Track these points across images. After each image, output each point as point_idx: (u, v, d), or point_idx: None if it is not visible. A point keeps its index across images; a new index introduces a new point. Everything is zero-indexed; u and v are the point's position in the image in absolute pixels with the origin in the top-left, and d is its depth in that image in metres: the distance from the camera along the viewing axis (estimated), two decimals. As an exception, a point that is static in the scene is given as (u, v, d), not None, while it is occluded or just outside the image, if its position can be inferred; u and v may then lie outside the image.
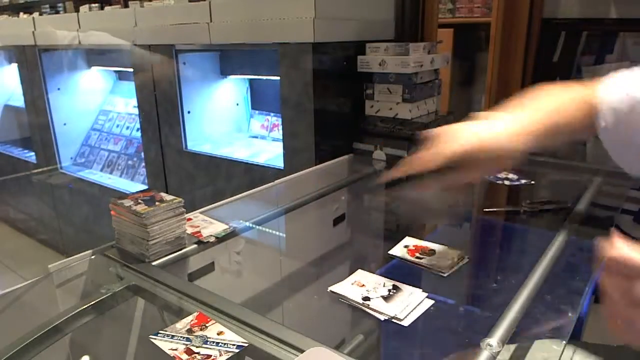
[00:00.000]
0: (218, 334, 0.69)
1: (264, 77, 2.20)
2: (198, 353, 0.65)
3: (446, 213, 1.31)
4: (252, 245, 1.18)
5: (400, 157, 1.61)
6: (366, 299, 0.80)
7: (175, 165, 2.14)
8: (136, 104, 2.28)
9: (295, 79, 1.59)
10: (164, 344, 0.67)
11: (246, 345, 0.67)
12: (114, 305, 0.84)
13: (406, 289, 0.83)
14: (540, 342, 0.76)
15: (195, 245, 1.00)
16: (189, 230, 1.03)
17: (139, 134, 2.48)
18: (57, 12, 2.94)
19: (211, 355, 0.64)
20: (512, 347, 0.76)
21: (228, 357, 0.64)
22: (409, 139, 1.60)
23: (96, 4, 2.47)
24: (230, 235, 1.07)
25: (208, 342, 0.67)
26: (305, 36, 1.51)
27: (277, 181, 1.43)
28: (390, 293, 0.82)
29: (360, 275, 0.88)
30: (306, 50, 1.53)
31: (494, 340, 0.64)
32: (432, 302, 0.80)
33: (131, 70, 2.24)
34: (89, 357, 0.94)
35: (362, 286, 0.84)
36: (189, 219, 1.09)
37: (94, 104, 3.03)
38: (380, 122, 1.66)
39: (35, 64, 2.73)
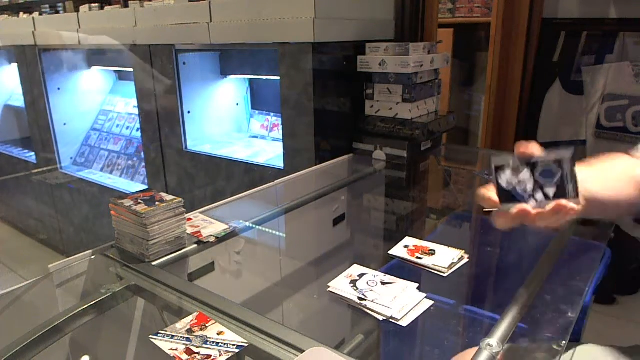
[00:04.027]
0: (218, 334, 0.69)
1: (264, 77, 2.19)
2: (198, 353, 0.65)
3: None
4: (252, 245, 1.18)
5: (400, 157, 1.62)
6: (362, 298, 0.80)
7: (175, 165, 2.14)
8: (136, 104, 2.28)
9: (295, 79, 1.59)
10: (164, 344, 0.67)
11: (246, 345, 0.67)
12: (114, 305, 0.84)
13: (399, 282, 0.83)
14: (540, 342, 0.76)
15: (195, 245, 1.00)
16: (189, 230, 1.03)
17: (139, 134, 2.48)
18: (57, 12, 2.94)
19: (211, 355, 0.64)
20: (512, 347, 0.76)
21: (228, 357, 0.64)
22: (409, 139, 1.60)
23: (96, 4, 2.47)
24: (230, 235, 1.07)
25: (208, 342, 0.67)
26: (305, 36, 1.51)
27: (277, 181, 1.43)
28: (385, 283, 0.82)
29: (355, 269, 0.88)
30: (306, 50, 1.53)
31: (494, 340, 0.64)
32: (431, 302, 0.80)
33: (131, 70, 2.24)
34: (89, 357, 0.94)
35: (356, 280, 0.84)
36: (189, 219, 1.09)
37: (94, 104, 3.03)
38: (380, 122, 1.66)
39: (35, 64, 2.73)
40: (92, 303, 0.81)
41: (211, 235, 1.03)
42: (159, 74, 2.08)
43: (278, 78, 1.65)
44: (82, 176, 2.75)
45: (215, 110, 2.23)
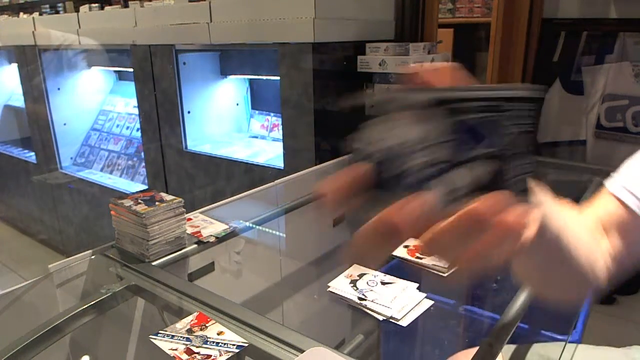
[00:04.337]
0: (218, 334, 0.69)
1: (264, 77, 2.19)
2: (198, 353, 0.65)
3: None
4: (252, 245, 1.18)
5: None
6: (362, 298, 0.80)
7: (175, 165, 2.14)
8: (136, 104, 2.28)
9: (295, 79, 1.59)
10: (164, 344, 0.67)
11: (246, 345, 0.67)
12: (114, 305, 0.84)
13: (399, 282, 0.83)
14: (540, 342, 0.76)
15: (195, 245, 1.00)
16: (189, 230, 1.03)
17: (139, 134, 2.48)
18: (57, 12, 2.94)
19: (211, 355, 0.64)
20: (512, 347, 0.76)
21: (228, 357, 0.64)
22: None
23: (96, 4, 2.46)
24: (230, 235, 1.07)
25: (208, 342, 0.67)
26: (305, 36, 1.51)
27: (277, 181, 1.43)
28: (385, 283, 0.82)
29: (355, 269, 0.88)
30: (306, 50, 1.53)
31: (494, 340, 0.64)
32: (431, 302, 0.80)
33: (131, 70, 2.24)
34: (89, 357, 0.94)
35: (356, 280, 0.84)
36: (189, 219, 1.09)
37: (94, 104, 3.03)
38: (380, 122, 1.66)
39: (35, 64, 2.73)
40: (92, 303, 0.81)
41: (211, 235, 1.03)
42: (159, 74, 2.08)
43: (278, 78, 1.65)
44: (82, 176, 2.75)
45: (215, 110, 2.23)
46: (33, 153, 3.07)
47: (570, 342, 0.72)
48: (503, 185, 0.27)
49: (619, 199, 0.48)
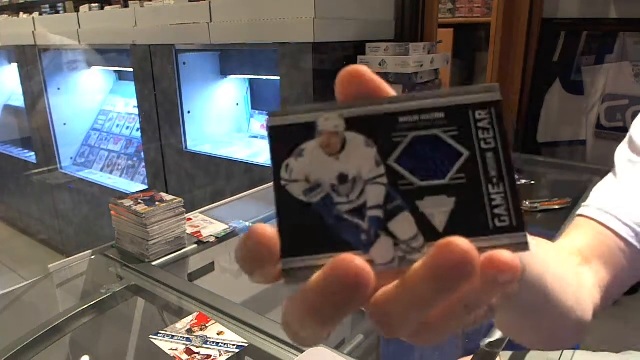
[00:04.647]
0: (218, 334, 0.69)
1: (264, 77, 2.20)
2: (198, 353, 0.65)
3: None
4: (252, 245, 1.18)
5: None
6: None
7: (175, 165, 2.14)
8: (136, 104, 2.28)
9: (295, 79, 1.59)
10: (164, 344, 0.67)
11: (246, 345, 0.67)
12: (114, 305, 0.84)
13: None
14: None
15: (195, 245, 1.01)
16: (189, 230, 1.03)
17: (139, 134, 2.48)
18: (57, 12, 2.94)
19: (211, 355, 0.64)
20: (509, 353, 0.76)
21: (228, 357, 0.64)
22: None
23: (96, 4, 2.47)
24: (230, 235, 1.07)
25: (208, 342, 0.67)
26: (305, 36, 1.51)
27: (277, 181, 1.43)
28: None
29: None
30: (306, 50, 1.53)
31: (494, 340, 0.64)
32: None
33: (131, 70, 2.24)
34: (89, 357, 0.94)
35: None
36: (189, 219, 1.09)
37: (94, 104, 3.03)
38: (380, 122, 1.66)
39: (35, 64, 2.73)
40: (92, 303, 0.81)
41: (211, 235, 1.03)
42: (159, 74, 2.08)
43: (278, 78, 1.65)
44: (82, 176, 2.75)
45: (215, 110, 2.23)
46: (33, 153, 3.07)
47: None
48: (467, 227, 0.20)
49: (602, 224, 0.44)
